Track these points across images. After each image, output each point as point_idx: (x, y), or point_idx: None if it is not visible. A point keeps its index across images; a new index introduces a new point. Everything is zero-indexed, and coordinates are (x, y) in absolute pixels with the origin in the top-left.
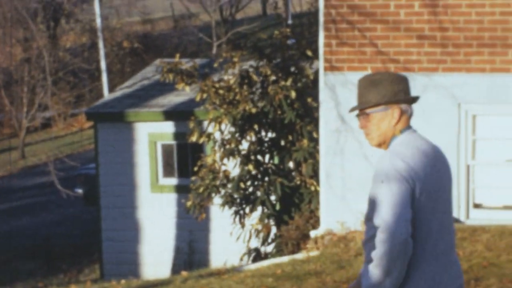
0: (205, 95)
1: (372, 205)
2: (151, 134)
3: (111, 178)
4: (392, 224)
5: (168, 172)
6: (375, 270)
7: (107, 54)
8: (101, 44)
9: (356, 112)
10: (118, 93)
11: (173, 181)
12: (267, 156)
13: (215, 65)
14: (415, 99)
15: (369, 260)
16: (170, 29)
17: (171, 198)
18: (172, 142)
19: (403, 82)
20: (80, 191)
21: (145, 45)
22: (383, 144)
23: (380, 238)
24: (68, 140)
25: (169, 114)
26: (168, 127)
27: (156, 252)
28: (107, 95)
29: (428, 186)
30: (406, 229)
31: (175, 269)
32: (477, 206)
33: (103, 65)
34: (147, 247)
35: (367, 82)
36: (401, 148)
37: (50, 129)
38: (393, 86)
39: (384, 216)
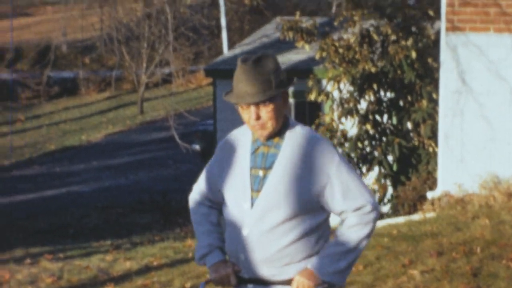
0: (324, 54)
1: (337, 188)
2: None
3: (227, 134)
4: (377, 203)
5: None
6: (355, 252)
7: (227, 11)
8: (221, 1)
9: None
10: (237, 50)
11: None
12: (385, 116)
13: (335, 23)
14: None
15: (344, 242)
16: None
17: None
18: (290, 100)
19: None
20: (197, 147)
21: (265, 2)
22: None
23: (371, 217)
24: (186, 96)
25: (288, 72)
26: None
27: None
28: (226, 52)
29: None
30: None
31: None
32: None
33: (223, 22)
34: None
35: None
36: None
37: (168, 85)
38: None
39: (368, 195)
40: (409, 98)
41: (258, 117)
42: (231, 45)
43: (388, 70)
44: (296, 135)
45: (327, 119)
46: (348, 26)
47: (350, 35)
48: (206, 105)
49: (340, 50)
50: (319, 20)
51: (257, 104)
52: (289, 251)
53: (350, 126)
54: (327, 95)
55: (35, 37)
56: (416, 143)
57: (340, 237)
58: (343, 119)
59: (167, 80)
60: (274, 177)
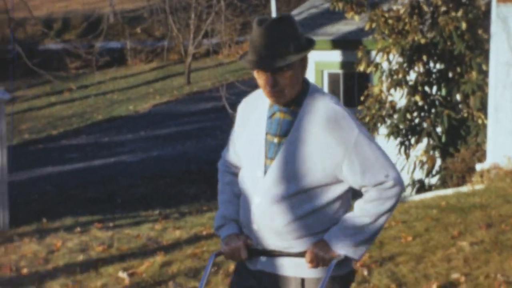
0: (374, 25)
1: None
2: (318, 62)
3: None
4: (400, 177)
5: None
6: (374, 228)
7: None
8: None
9: None
10: None
11: None
12: (434, 88)
13: None
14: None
15: (362, 216)
16: None
17: None
18: (339, 71)
19: None
20: None
21: None
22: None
23: (392, 193)
24: (233, 67)
25: (337, 43)
26: (335, 56)
27: None
28: None
29: None
30: None
31: None
32: None
33: None
34: None
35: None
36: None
37: (215, 56)
38: None
39: (390, 169)
40: (458, 69)
41: (274, 84)
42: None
43: (438, 41)
44: (314, 103)
45: (376, 90)
46: None
47: (400, 6)
48: (252, 75)
49: (390, 21)
50: None
51: (274, 71)
52: (303, 224)
53: (399, 98)
54: (376, 66)
55: (83, 7)
56: (465, 114)
57: (358, 211)
58: (392, 91)
59: (214, 50)
60: (289, 146)
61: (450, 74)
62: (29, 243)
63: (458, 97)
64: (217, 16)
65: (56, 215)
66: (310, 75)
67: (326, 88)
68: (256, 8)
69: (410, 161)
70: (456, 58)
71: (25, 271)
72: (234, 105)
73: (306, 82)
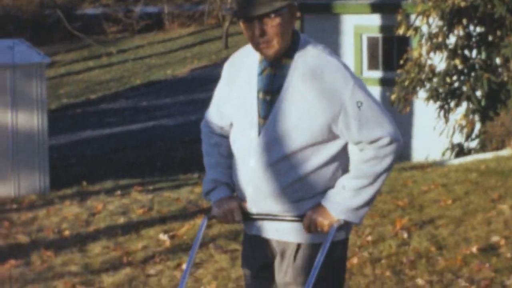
0: None
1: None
2: (357, 26)
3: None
4: (398, 133)
5: (372, 65)
6: (373, 188)
7: None
8: None
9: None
10: None
11: (377, 74)
12: (474, 51)
13: None
14: None
15: (360, 177)
16: None
17: (375, 91)
18: (378, 35)
19: None
20: None
21: None
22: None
23: (389, 150)
24: None
25: (376, 7)
26: (374, 20)
27: None
28: None
29: None
30: None
31: None
32: None
33: None
34: None
35: None
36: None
37: None
38: None
39: (387, 125)
40: (498, 33)
41: (262, 33)
42: None
43: (478, 4)
44: (306, 55)
45: (415, 53)
46: None
47: None
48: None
49: None
50: None
51: (261, 18)
52: (301, 185)
53: (439, 61)
54: (416, 29)
55: None
56: (505, 78)
57: (355, 171)
58: (431, 54)
59: None
60: (282, 103)
61: (490, 38)
62: (70, 205)
63: (498, 60)
64: None
65: (96, 179)
66: (349, 39)
67: (365, 52)
68: None
69: (449, 125)
70: (496, 21)
71: (67, 233)
72: None
73: (296, 34)
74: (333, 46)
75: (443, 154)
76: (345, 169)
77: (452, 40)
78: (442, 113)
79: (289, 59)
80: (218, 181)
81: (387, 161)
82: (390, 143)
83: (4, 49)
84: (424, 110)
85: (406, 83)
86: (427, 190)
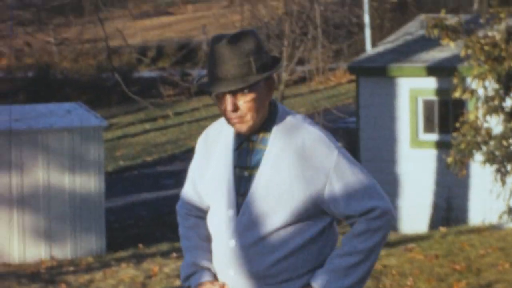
0: (469, 51)
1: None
2: (413, 89)
3: (371, 132)
4: (390, 203)
5: (428, 128)
6: (366, 265)
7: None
8: None
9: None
10: (380, 47)
11: (433, 137)
12: None
13: (482, 21)
14: None
15: (351, 253)
16: None
17: (431, 154)
18: (434, 97)
19: None
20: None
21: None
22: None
23: (382, 223)
24: (326, 94)
25: (432, 70)
26: (430, 83)
27: (414, 207)
28: (369, 49)
29: None
30: None
31: (433, 225)
32: None
33: (366, 19)
34: (405, 202)
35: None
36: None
37: (307, 83)
38: None
39: (377, 195)
40: None
41: (235, 108)
42: (371, 43)
43: None
44: (285, 127)
45: (471, 117)
46: (494, 23)
47: (495, 33)
48: (346, 102)
49: (486, 48)
50: (463, 17)
51: (234, 93)
52: (287, 265)
53: (495, 124)
54: (472, 92)
55: (176, 36)
56: None
57: (346, 247)
58: (488, 117)
59: (304, 78)
60: (262, 178)
61: None
62: (126, 268)
63: None
64: (311, 43)
65: (152, 241)
66: (405, 102)
67: (420, 115)
68: (350, 35)
69: (506, 188)
70: None
71: None
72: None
73: (274, 105)
74: (389, 109)
75: (500, 217)
76: (333, 245)
77: (508, 103)
78: (498, 176)
79: (267, 133)
80: (198, 265)
81: (379, 235)
82: (383, 214)
83: (63, 113)
84: (481, 173)
85: (462, 146)
86: (485, 254)
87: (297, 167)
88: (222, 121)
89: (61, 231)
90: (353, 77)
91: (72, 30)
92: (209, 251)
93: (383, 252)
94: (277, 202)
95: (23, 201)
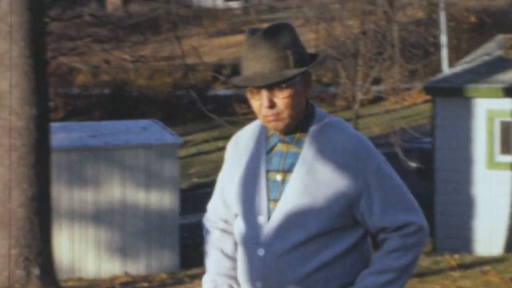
0: None
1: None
2: (490, 110)
3: (447, 152)
4: (425, 220)
5: (505, 149)
6: (398, 284)
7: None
8: (442, 19)
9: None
10: (457, 68)
11: (510, 158)
12: None
13: None
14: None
15: (384, 271)
16: (507, 4)
17: (507, 176)
18: (511, 119)
19: None
20: (413, 165)
21: (483, 20)
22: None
23: (417, 240)
24: (400, 114)
25: (509, 91)
26: (507, 104)
27: (489, 229)
28: (446, 70)
29: None
30: None
31: (509, 247)
32: None
33: (443, 39)
34: (480, 224)
35: None
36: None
37: (381, 103)
38: None
39: (415, 211)
40: None
41: (271, 105)
42: (448, 63)
43: None
44: (323, 129)
45: None
46: None
47: None
48: (420, 122)
49: None
50: None
51: (270, 88)
52: (318, 278)
53: None
54: None
55: None
56: None
57: (379, 264)
58: None
59: (379, 97)
60: (295, 183)
61: None
62: (200, 285)
63: None
64: (387, 63)
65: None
66: (481, 123)
67: (497, 136)
68: (427, 55)
69: None
70: None
71: None
72: (406, 152)
73: (311, 106)
74: (465, 130)
75: None
76: (366, 262)
77: None
78: None
79: (303, 134)
80: (218, 281)
81: (414, 252)
82: (418, 231)
83: (138, 130)
84: None
85: None
86: None
87: (335, 171)
88: (252, 125)
89: (135, 247)
90: (427, 97)
91: (148, 48)
92: (233, 268)
93: (458, 273)
94: (310, 208)
95: (98, 217)
